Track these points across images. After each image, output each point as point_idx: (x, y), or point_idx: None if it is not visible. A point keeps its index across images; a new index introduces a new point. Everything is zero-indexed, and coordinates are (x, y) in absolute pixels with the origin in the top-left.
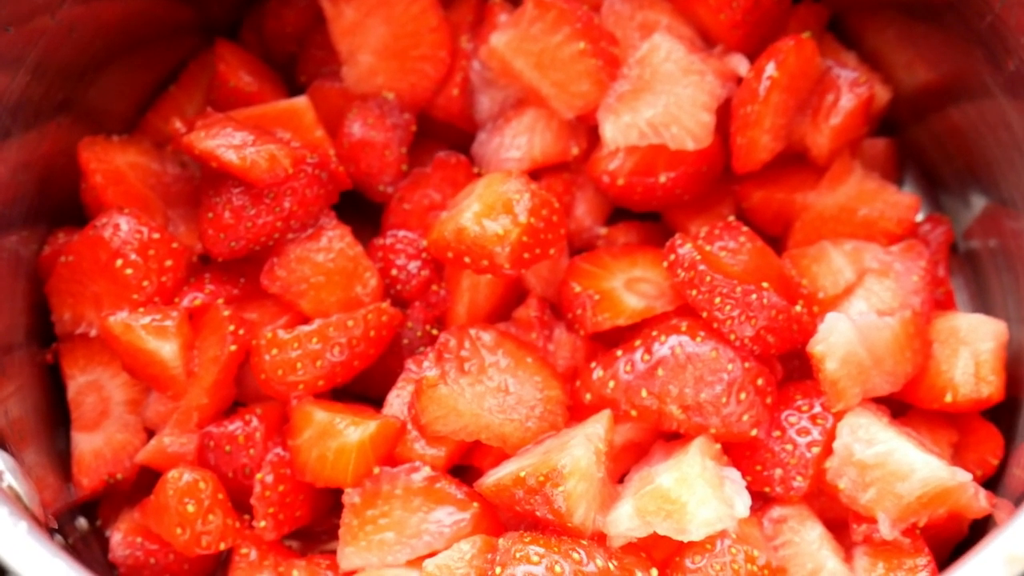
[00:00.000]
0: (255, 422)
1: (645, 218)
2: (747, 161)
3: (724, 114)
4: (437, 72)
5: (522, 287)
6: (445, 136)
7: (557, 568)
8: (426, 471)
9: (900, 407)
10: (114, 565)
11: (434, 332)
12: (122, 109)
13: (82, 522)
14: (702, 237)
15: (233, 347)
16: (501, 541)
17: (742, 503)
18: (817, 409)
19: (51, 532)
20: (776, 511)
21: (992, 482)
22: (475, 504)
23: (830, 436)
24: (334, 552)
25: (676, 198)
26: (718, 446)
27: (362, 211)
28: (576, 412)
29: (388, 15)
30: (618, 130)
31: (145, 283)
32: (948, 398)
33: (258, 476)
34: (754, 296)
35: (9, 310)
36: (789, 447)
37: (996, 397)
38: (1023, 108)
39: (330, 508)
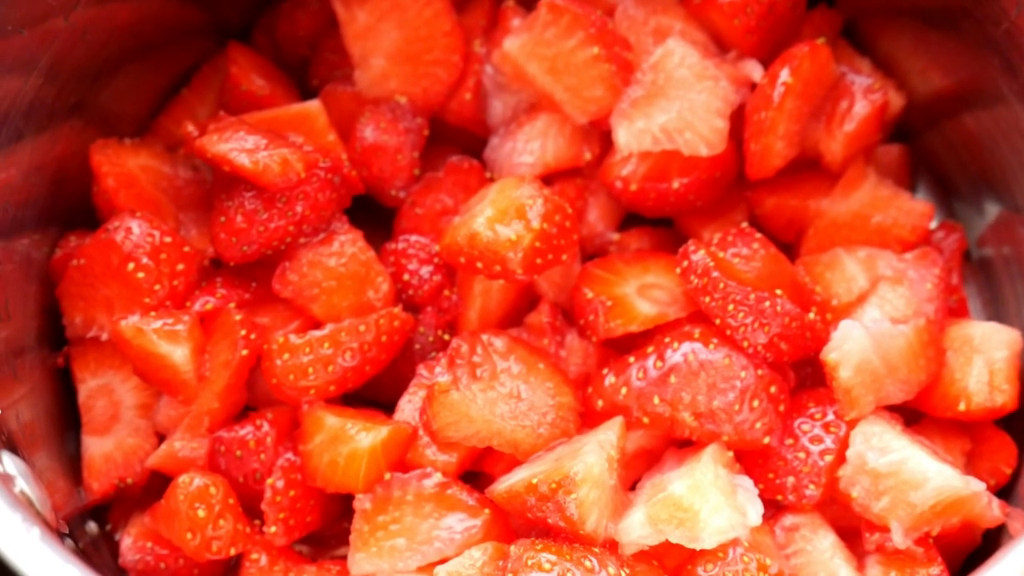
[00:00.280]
0: (266, 427)
1: (658, 224)
2: (761, 167)
3: (738, 120)
4: (450, 76)
5: (534, 293)
6: (458, 140)
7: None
8: (437, 477)
9: (913, 415)
10: (124, 570)
11: (446, 337)
12: (134, 112)
13: (92, 526)
14: (715, 243)
15: (244, 352)
16: (512, 548)
17: (754, 511)
18: (830, 417)
19: (62, 536)
20: (788, 519)
21: (1005, 491)
22: (486, 511)
23: (843, 444)
24: (344, 558)
25: (689, 204)
26: (731, 454)
27: (374, 215)
28: (588, 419)
29: (401, 19)
30: (631, 135)
31: (157, 287)
32: (962, 407)
33: (269, 481)
34: (767, 303)
35: (21, 313)
36: (802, 455)
37: (1010, 406)
38: None
39: (341, 513)
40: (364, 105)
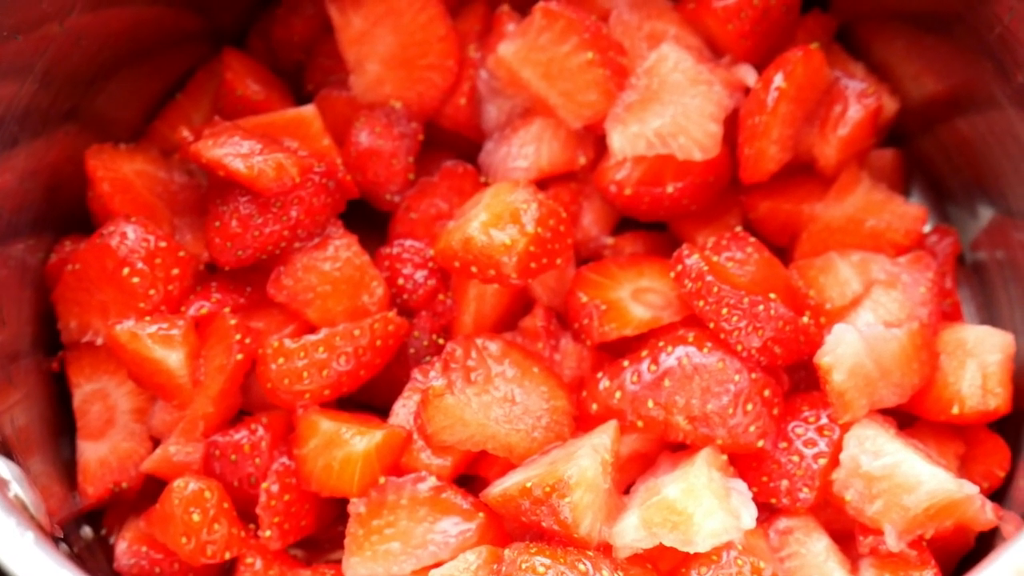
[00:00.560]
0: (261, 431)
1: (652, 228)
2: (754, 172)
3: (732, 124)
4: (445, 81)
5: (529, 297)
6: (452, 145)
7: None
8: (432, 481)
9: (907, 419)
10: (119, 574)
11: (440, 342)
12: (129, 117)
13: (87, 531)
14: (709, 248)
15: (239, 356)
16: (507, 552)
17: (748, 514)
18: (824, 420)
19: (56, 541)
20: (782, 522)
21: (999, 494)
22: (481, 514)
23: (837, 448)
24: (339, 561)
25: (683, 208)
26: (724, 457)
27: (369, 220)
28: (582, 422)
29: (396, 24)
30: (626, 140)
31: (151, 292)
32: (955, 410)
33: (263, 485)
34: (761, 307)
35: (16, 318)
36: (796, 458)
37: (1003, 409)
38: None
39: (335, 517)
40: (359, 110)
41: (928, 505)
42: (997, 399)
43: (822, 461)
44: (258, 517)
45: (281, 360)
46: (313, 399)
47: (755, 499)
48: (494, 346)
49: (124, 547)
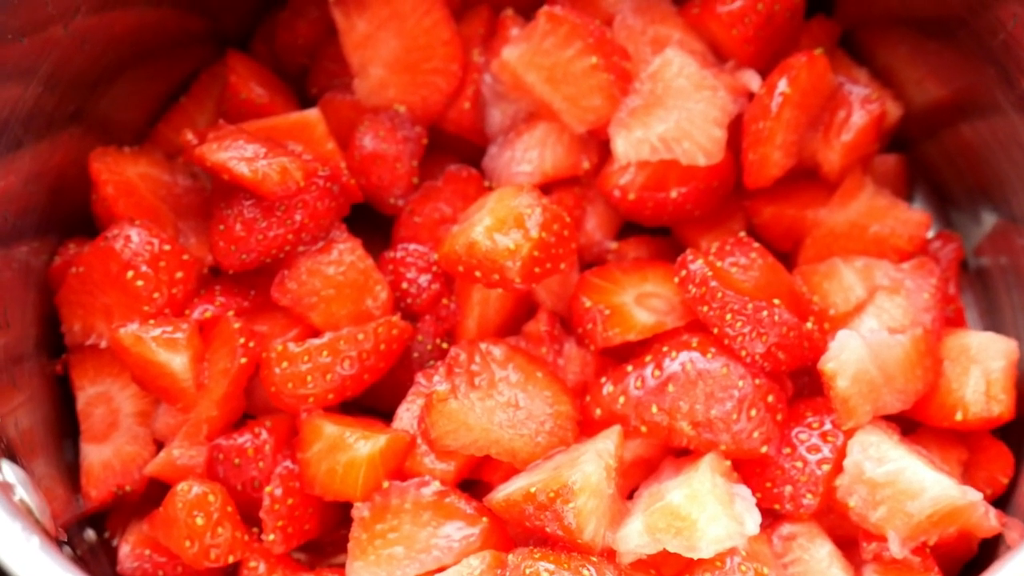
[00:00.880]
0: (264, 435)
1: (656, 233)
2: (758, 177)
3: (736, 130)
4: (449, 85)
5: (532, 301)
6: (456, 149)
7: None
8: (435, 485)
9: (910, 425)
10: None
11: (444, 346)
12: (133, 120)
13: (90, 534)
14: (713, 253)
15: (243, 360)
16: (510, 557)
17: (752, 520)
18: (828, 426)
19: (60, 544)
20: (786, 528)
21: (1002, 501)
22: (484, 519)
23: (840, 454)
24: (342, 565)
25: (687, 213)
26: (728, 463)
27: (373, 224)
28: (586, 427)
29: (400, 28)
30: (629, 145)
31: (156, 295)
32: (958, 416)
33: (267, 489)
34: (765, 313)
35: (19, 321)
36: (799, 464)
37: (1006, 416)
38: None
39: (339, 521)
40: (363, 114)
41: (932, 511)
42: (1000, 405)
43: (826, 467)
44: (262, 521)
45: (285, 364)
46: (317, 403)
47: (759, 505)
48: (498, 351)
49: (127, 550)
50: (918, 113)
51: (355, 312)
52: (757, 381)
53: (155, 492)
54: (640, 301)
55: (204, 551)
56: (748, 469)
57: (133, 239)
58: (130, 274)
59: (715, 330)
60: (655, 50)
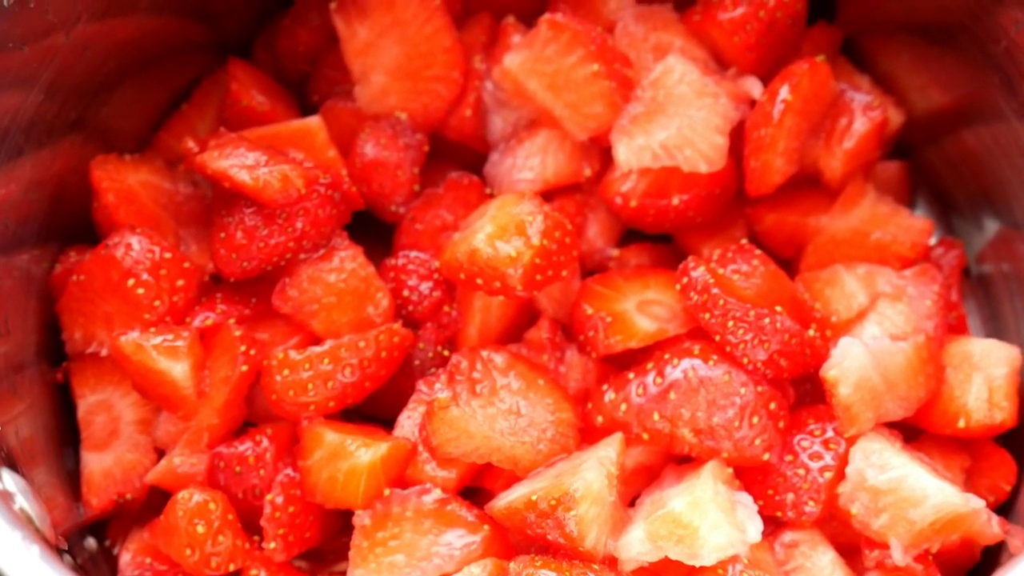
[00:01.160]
0: (265, 443)
1: (657, 240)
2: (760, 184)
3: (737, 137)
4: (450, 92)
5: (534, 309)
6: (457, 157)
7: None
8: (437, 493)
9: (912, 432)
10: None
11: (445, 353)
12: (134, 128)
13: (91, 542)
14: (715, 260)
15: (244, 367)
16: (512, 565)
17: (754, 528)
18: (830, 434)
19: (60, 553)
20: (788, 536)
21: (1005, 508)
22: (486, 527)
23: (843, 461)
24: (344, 573)
25: (689, 220)
26: (730, 470)
27: (374, 231)
28: (587, 435)
29: (401, 35)
30: (631, 152)
31: (156, 303)
32: (961, 424)
33: (268, 497)
34: (767, 320)
35: (20, 329)
36: (801, 471)
37: (1009, 423)
38: None
39: (340, 529)
40: (364, 121)
41: (934, 519)
42: (1003, 413)
43: (828, 474)
44: (262, 529)
45: (286, 372)
46: (318, 411)
47: (761, 512)
48: (499, 358)
49: (128, 559)
50: (920, 120)
51: (356, 320)
52: (759, 388)
53: (156, 500)
54: (642, 308)
55: (205, 559)
56: (750, 476)
57: (134, 247)
58: (131, 282)
59: (717, 337)
60: (657, 57)
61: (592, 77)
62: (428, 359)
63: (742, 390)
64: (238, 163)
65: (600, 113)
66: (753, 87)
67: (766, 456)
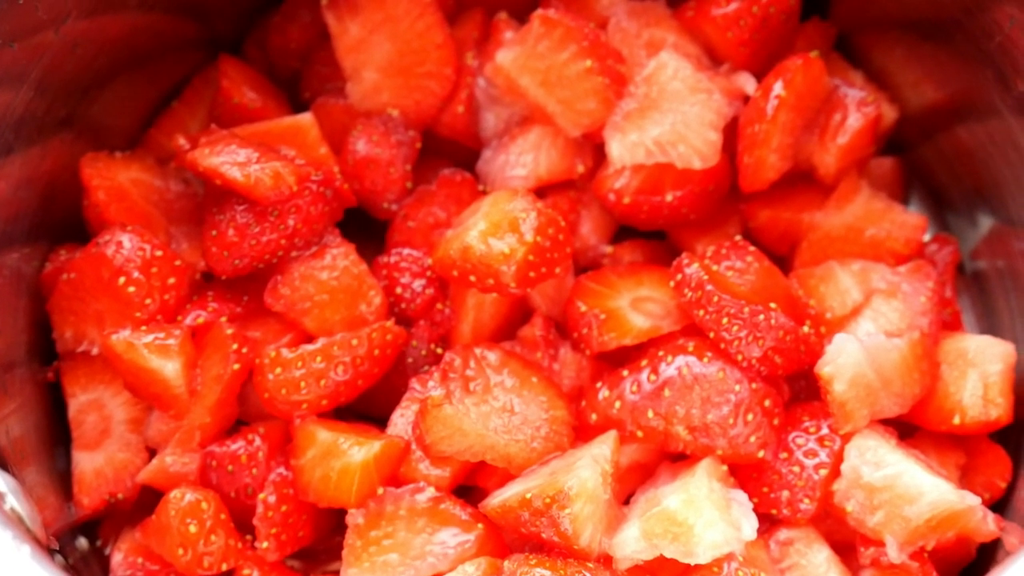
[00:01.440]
0: (258, 441)
1: (651, 236)
2: (754, 180)
3: (731, 133)
4: (442, 89)
5: (527, 306)
6: (450, 153)
7: None
8: (430, 492)
9: (908, 429)
10: None
11: (439, 351)
12: (125, 125)
13: (82, 542)
14: (709, 257)
15: (236, 366)
16: (506, 563)
17: (749, 525)
18: (825, 431)
19: (52, 553)
20: (783, 533)
21: (1000, 505)
22: (480, 525)
23: (838, 458)
24: (337, 572)
25: (682, 217)
26: (725, 468)
27: (367, 229)
28: (582, 432)
29: (393, 32)
30: (624, 148)
31: (148, 301)
32: (956, 420)
33: (261, 496)
34: (761, 317)
35: (10, 328)
36: (796, 469)
37: (1004, 419)
38: None
39: (333, 528)
40: (356, 118)
41: (929, 516)
42: (998, 409)
43: (823, 472)
44: (255, 528)
45: (278, 370)
46: (310, 409)
47: (756, 510)
48: (493, 356)
49: (120, 558)
50: (914, 116)
51: (349, 317)
52: (753, 385)
53: (148, 500)
54: (636, 305)
55: (197, 559)
56: (745, 474)
57: (125, 245)
58: (122, 280)
59: (711, 334)
60: (650, 53)
61: (585, 73)
62: (421, 357)
63: (736, 387)
64: (229, 160)
65: (593, 109)
66: (747, 83)
67: (761, 453)
